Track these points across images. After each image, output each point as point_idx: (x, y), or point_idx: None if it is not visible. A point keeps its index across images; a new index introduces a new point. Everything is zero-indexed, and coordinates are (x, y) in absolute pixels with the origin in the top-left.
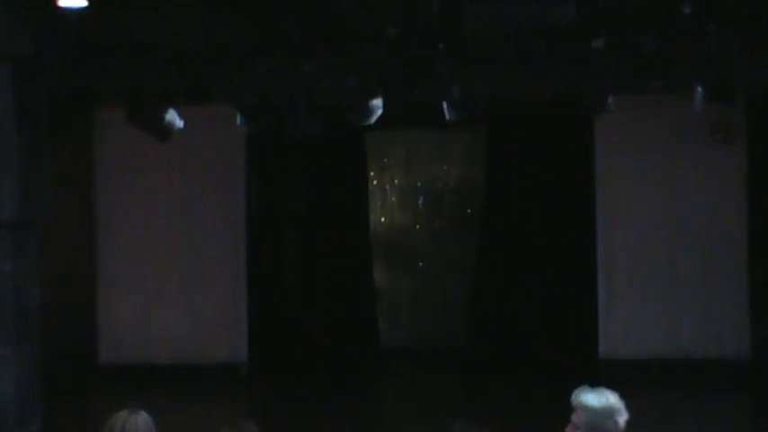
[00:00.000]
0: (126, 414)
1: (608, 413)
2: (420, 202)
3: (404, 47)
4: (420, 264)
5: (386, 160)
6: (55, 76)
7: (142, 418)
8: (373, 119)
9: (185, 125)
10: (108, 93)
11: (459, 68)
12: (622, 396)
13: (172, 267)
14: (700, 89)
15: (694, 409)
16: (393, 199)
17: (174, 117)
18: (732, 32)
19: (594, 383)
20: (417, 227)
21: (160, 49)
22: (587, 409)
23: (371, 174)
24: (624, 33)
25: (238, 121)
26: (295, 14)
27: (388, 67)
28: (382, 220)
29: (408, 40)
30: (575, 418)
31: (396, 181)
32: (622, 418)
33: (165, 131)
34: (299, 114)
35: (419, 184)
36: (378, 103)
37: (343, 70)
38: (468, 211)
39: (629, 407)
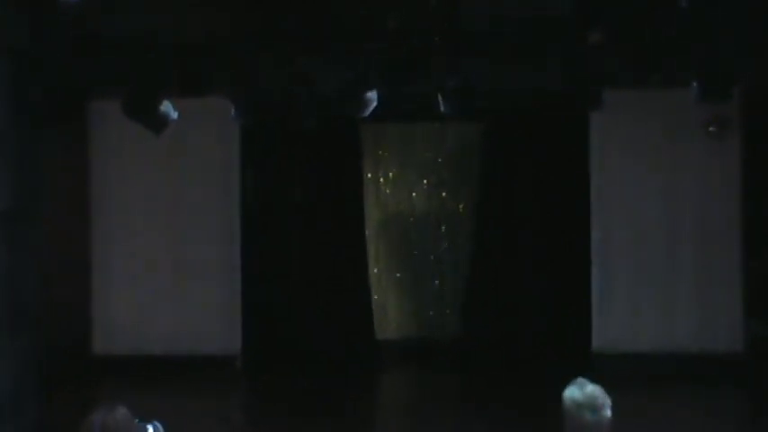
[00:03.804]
0: (104, 411)
1: (587, 406)
2: (414, 195)
3: (401, 40)
4: (414, 256)
5: (380, 153)
6: (51, 68)
7: (120, 413)
8: (368, 111)
9: (180, 117)
10: (104, 85)
11: (455, 62)
12: (616, 390)
13: (167, 259)
14: (695, 85)
15: (688, 402)
16: (387, 191)
17: (168, 109)
18: (731, 29)
19: (588, 377)
20: (411, 219)
21: (157, 42)
22: (566, 401)
23: (366, 166)
24: (621, 28)
25: (232, 113)
26: (292, 7)
27: (384, 59)
28: (376, 213)
29: (406, 33)
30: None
31: (390, 174)
32: (605, 411)
33: (160, 124)
34: (294, 107)
35: (413, 177)
36: (372, 95)
37: (340, 63)
38: (463, 204)
39: (623, 400)
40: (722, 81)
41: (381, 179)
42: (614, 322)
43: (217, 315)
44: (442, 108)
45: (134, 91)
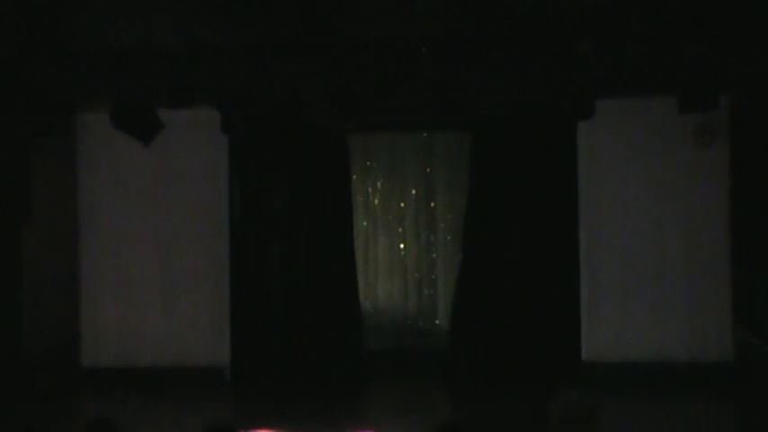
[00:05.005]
0: None
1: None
2: (403, 205)
3: (389, 49)
4: (404, 266)
5: (369, 163)
6: (38, 80)
7: None
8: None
9: (167, 129)
10: (91, 96)
11: (444, 71)
12: (606, 399)
13: (155, 270)
14: (679, 96)
15: (677, 412)
16: (376, 202)
17: (156, 120)
18: (716, 39)
19: (578, 387)
20: (400, 230)
21: (145, 53)
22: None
23: (354, 177)
24: (608, 38)
25: (219, 124)
26: (280, 17)
27: (372, 68)
28: (365, 223)
29: (394, 42)
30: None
31: (378, 184)
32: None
33: (148, 134)
34: (282, 117)
35: (402, 188)
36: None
37: (327, 72)
38: (452, 213)
39: (612, 409)
40: (705, 92)
41: (370, 189)
42: (604, 331)
43: (205, 326)
44: (431, 116)
45: (122, 102)
